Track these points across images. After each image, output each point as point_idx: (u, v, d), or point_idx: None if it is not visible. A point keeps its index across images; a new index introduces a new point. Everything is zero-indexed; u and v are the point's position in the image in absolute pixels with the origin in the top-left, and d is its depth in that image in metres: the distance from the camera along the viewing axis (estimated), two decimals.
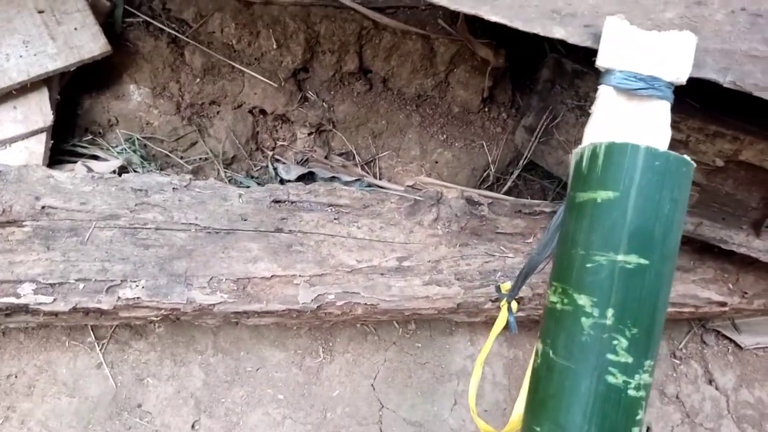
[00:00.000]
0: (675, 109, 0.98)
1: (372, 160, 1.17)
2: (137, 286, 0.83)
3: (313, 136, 1.15)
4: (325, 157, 1.14)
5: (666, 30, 0.71)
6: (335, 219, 0.96)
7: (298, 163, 1.13)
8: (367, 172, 1.16)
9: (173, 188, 0.89)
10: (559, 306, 0.64)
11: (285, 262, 0.90)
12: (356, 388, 1.03)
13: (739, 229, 1.06)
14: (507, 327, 0.80)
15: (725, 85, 0.76)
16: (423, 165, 1.16)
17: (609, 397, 0.60)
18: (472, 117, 1.21)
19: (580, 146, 0.67)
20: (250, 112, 1.12)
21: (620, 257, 0.60)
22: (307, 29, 1.09)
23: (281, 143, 1.15)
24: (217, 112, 1.12)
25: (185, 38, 1.09)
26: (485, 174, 1.16)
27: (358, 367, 1.05)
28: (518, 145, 1.18)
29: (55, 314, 0.83)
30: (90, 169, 0.96)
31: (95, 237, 0.84)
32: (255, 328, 1.02)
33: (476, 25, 1.16)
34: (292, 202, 0.94)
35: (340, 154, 1.17)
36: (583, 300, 0.61)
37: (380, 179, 1.16)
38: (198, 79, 1.10)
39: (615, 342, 0.60)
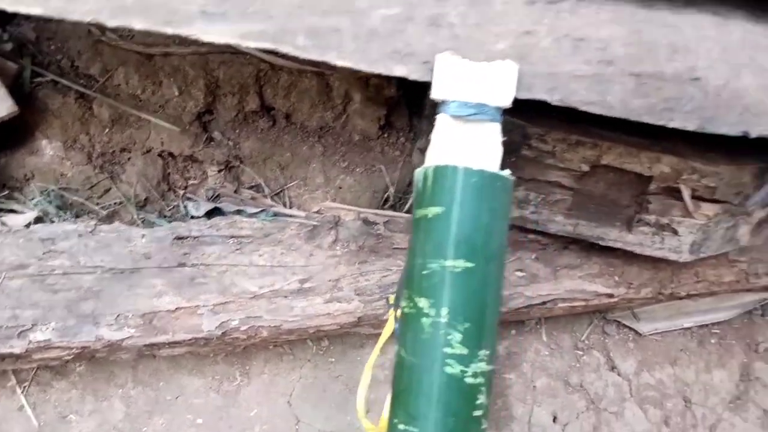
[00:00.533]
0: (541, 124, 1.10)
1: (281, 191, 1.26)
2: (47, 328, 0.90)
3: (222, 172, 1.24)
4: (235, 192, 1.22)
5: (499, 59, 0.81)
6: (237, 249, 1.04)
7: (209, 199, 1.21)
8: (276, 202, 1.24)
9: (79, 235, 0.96)
10: (407, 310, 0.73)
11: (189, 294, 0.98)
12: (273, 406, 1.10)
13: (613, 227, 1.17)
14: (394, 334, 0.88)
15: (554, 103, 0.86)
16: (328, 191, 1.25)
17: (449, 385, 0.69)
18: (371, 143, 1.31)
19: (418, 169, 0.77)
20: (160, 155, 1.20)
21: (449, 263, 0.69)
22: (206, 75, 1.18)
23: (192, 182, 1.23)
24: (128, 159, 1.19)
25: (92, 93, 1.17)
26: (386, 195, 1.26)
27: (275, 386, 1.12)
28: (415, 166, 1.28)
29: None
30: (4, 224, 1.02)
31: (5, 287, 0.90)
32: (172, 358, 1.09)
33: None
34: (194, 238, 1.02)
35: (250, 188, 1.25)
36: (422, 302, 0.70)
37: (290, 208, 1.25)
38: (107, 130, 1.17)
39: (450, 337, 0.69)
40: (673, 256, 1.17)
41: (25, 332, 0.89)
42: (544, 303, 1.21)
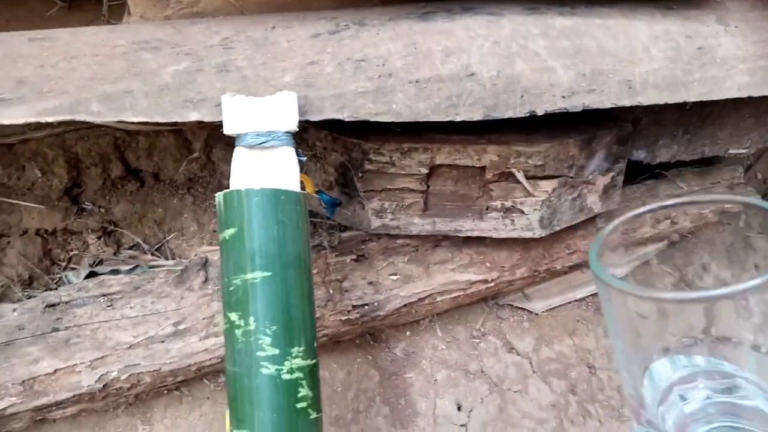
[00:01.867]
0: (376, 139, 1.19)
1: (160, 246, 1.33)
2: None
3: (102, 238, 1.31)
4: (115, 254, 1.29)
5: (286, 90, 0.91)
6: (108, 306, 1.10)
7: (91, 266, 1.28)
8: (159, 256, 1.31)
9: None
10: (224, 326, 0.80)
11: (65, 355, 1.04)
12: None
13: (466, 218, 1.26)
14: None
15: (345, 119, 0.96)
16: (203, 237, 1.33)
17: (268, 385, 0.76)
18: None
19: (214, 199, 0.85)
20: (37, 234, 1.27)
21: (248, 276, 0.77)
22: (65, 153, 1.26)
23: (74, 252, 1.30)
24: (8, 242, 1.26)
25: None
26: None
27: (177, 428, 1.17)
28: None
29: None
30: None
31: None
32: (73, 419, 1.14)
33: None
34: (65, 302, 1.09)
35: (131, 247, 1.32)
36: (233, 316, 0.78)
37: (173, 259, 1.32)
38: None
39: (260, 341, 0.76)
40: (527, 234, 1.26)
41: None
42: (421, 299, 1.29)
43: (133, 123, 0.87)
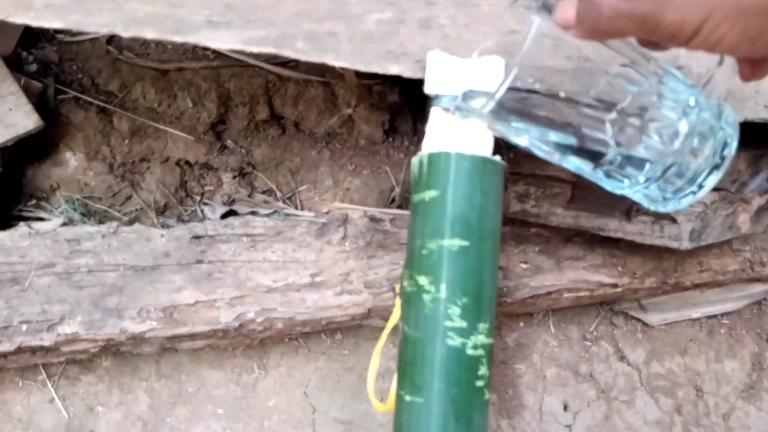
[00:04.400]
0: None
1: (292, 195, 1.32)
2: (74, 322, 0.96)
3: (237, 179, 1.30)
4: (249, 196, 1.28)
5: (494, 55, 0.87)
6: (251, 247, 1.09)
7: (224, 204, 1.27)
8: (288, 205, 1.30)
9: (102, 236, 1.03)
10: (408, 288, 0.78)
11: (206, 288, 1.04)
12: (290, 396, 1.15)
13: (612, 217, 1.20)
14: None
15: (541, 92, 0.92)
16: (336, 193, 1.31)
17: (451, 356, 0.73)
18: (377, 147, 1.36)
19: (414, 158, 0.82)
20: (177, 164, 1.27)
21: (446, 242, 0.74)
22: (218, 87, 1.25)
23: (209, 188, 1.29)
24: (147, 168, 1.26)
25: (112, 107, 1.25)
26: (392, 195, 1.31)
27: (291, 378, 1.17)
28: None
29: (4, 356, 0.95)
30: (31, 229, 1.09)
31: (34, 284, 0.97)
32: (193, 352, 1.14)
33: None
34: (210, 237, 1.08)
35: (263, 192, 1.31)
36: (422, 280, 0.75)
37: (301, 210, 1.31)
38: (126, 141, 1.25)
39: (450, 311, 0.73)
40: (673, 244, 1.20)
41: (54, 326, 0.95)
42: (549, 293, 1.25)
43: (334, 67, 0.84)
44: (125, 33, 0.81)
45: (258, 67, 1.27)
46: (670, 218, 1.18)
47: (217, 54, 1.28)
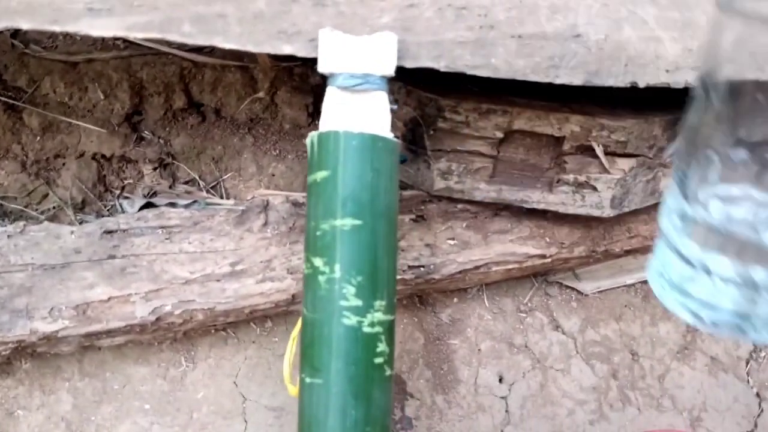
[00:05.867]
0: (453, 96, 1.14)
1: (216, 184, 1.30)
2: None
3: (158, 170, 1.28)
4: (170, 187, 1.26)
5: (386, 31, 0.86)
6: (167, 239, 1.08)
7: (145, 197, 1.25)
8: (213, 195, 1.28)
9: (8, 236, 1.00)
10: (306, 271, 0.77)
11: (120, 284, 1.02)
12: (219, 387, 1.14)
13: (535, 189, 1.21)
14: None
15: (441, 69, 0.91)
16: (261, 179, 1.29)
17: (348, 336, 0.73)
18: (302, 131, 1.35)
19: (306, 139, 0.81)
20: (93, 158, 1.24)
21: (338, 222, 0.74)
22: (129, 77, 1.22)
23: (129, 182, 1.27)
24: (63, 164, 1.23)
25: (21, 104, 1.21)
26: None
27: (220, 369, 1.16)
28: None
29: None
30: None
31: None
32: (117, 349, 1.12)
33: None
34: (123, 230, 1.06)
35: (186, 182, 1.29)
36: (317, 261, 0.75)
37: (226, 198, 1.29)
38: (38, 138, 1.21)
39: (344, 290, 0.73)
40: (596, 212, 1.21)
41: None
42: (477, 267, 1.26)
43: (203, 47, 0.82)
44: None
45: (171, 54, 1.24)
46: (591, 187, 1.19)
47: (128, 43, 1.25)
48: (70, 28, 0.78)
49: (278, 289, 1.10)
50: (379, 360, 0.74)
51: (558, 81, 0.94)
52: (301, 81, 1.32)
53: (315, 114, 1.37)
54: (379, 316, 0.74)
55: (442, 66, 0.90)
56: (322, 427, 0.71)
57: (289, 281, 1.11)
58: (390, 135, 0.79)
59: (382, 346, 0.74)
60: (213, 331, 1.17)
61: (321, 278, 0.74)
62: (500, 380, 1.31)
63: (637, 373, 1.43)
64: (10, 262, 0.98)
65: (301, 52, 0.85)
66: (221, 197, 1.29)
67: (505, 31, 0.92)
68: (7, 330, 0.94)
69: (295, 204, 1.18)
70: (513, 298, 1.42)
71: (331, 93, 0.83)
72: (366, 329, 0.73)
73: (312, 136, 0.78)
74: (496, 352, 1.34)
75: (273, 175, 1.30)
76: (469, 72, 0.92)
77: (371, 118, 0.81)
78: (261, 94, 1.25)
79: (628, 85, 0.98)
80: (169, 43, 1.20)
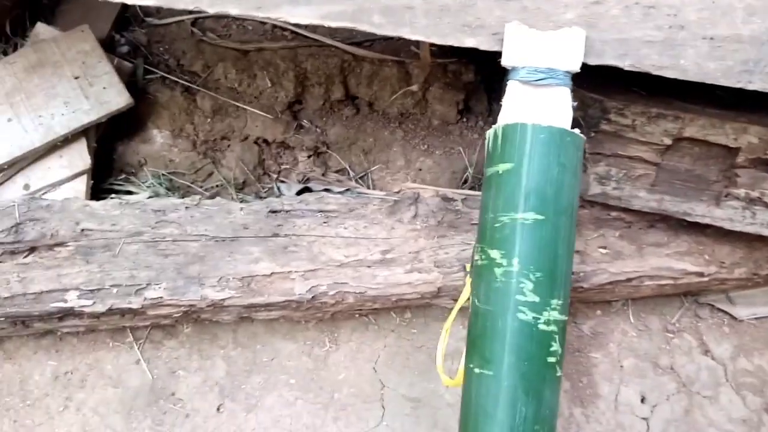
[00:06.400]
0: (619, 98, 1.11)
1: (365, 174, 1.33)
2: (159, 287, 1.01)
3: (312, 158, 1.33)
4: (323, 175, 1.31)
5: (575, 27, 0.84)
6: (324, 222, 1.12)
7: (299, 182, 1.30)
8: (361, 184, 1.32)
9: (186, 207, 1.08)
10: (479, 262, 0.77)
11: (282, 261, 1.07)
12: (360, 371, 1.16)
13: (700, 201, 1.14)
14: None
15: (626, 68, 0.88)
16: (408, 173, 1.31)
17: (522, 331, 0.72)
18: (450, 127, 1.35)
19: (488, 131, 0.81)
20: (255, 142, 1.31)
21: (520, 215, 0.73)
22: (295, 67, 1.28)
23: (285, 166, 1.33)
24: (228, 146, 1.31)
25: (196, 87, 1.31)
26: (465, 176, 1.30)
27: (361, 353, 1.18)
28: None
29: (97, 316, 1.02)
30: (122, 199, 1.16)
31: (124, 251, 1.03)
32: (268, 323, 1.18)
33: (446, 48, 1.32)
34: (286, 211, 1.11)
35: (337, 171, 1.33)
36: (494, 254, 0.74)
37: (373, 189, 1.32)
38: (209, 119, 1.30)
39: (522, 285, 0.72)
40: (766, 232, 1.12)
41: (141, 290, 1.01)
42: (629, 280, 1.20)
43: (410, 40, 0.84)
44: (210, 9, 0.84)
45: (334, 47, 1.28)
46: (764, 203, 1.11)
47: (295, 34, 1.31)
48: (272, 15, 0.83)
49: (425, 281, 1.11)
50: (552, 359, 0.73)
51: (751, 87, 0.88)
52: (454, 78, 1.33)
53: (464, 111, 1.37)
54: (555, 315, 0.72)
55: (626, 65, 0.87)
56: (490, 419, 0.71)
57: (435, 274, 1.11)
58: (576, 130, 0.77)
59: (555, 346, 0.73)
60: (357, 315, 1.20)
61: (497, 270, 0.73)
62: (642, 400, 1.25)
63: None
64: (187, 231, 1.06)
65: (484, 45, 0.85)
66: (368, 187, 1.32)
67: (695, 32, 0.87)
68: (182, 294, 1.02)
69: (445, 199, 1.19)
70: (660, 316, 1.34)
71: (513, 86, 0.82)
72: (541, 326, 0.72)
73: (495, 128, 0.77)
74: (639, 371, 1.27)
75: (420, 170, 1.32)
76: (655, 72, 0.88)
77: (556, 113, 0.79)
78: (414, 87, 1.26)
79: None
80: (333, 35, 1.25)
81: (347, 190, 1.25)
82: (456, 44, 0.85)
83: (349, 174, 1.32)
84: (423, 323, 1.22)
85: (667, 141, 1.08)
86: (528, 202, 0.73)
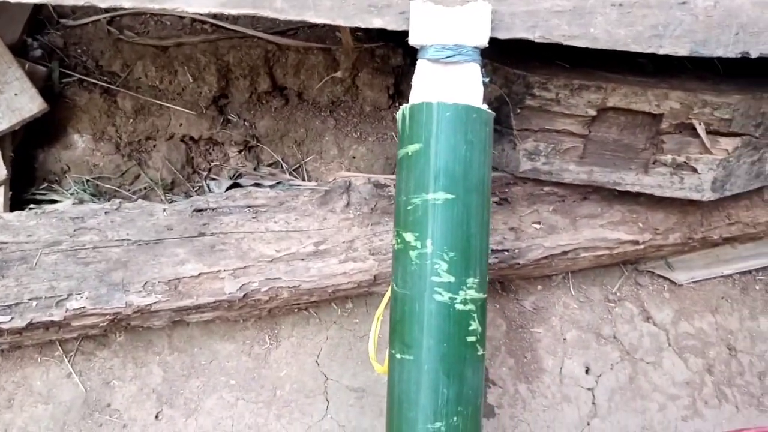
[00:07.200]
0: (542, 72, 1.10)
1: (298, 166, 1.31)
2: (81, 297, 0.97)
3: (243, 152, 1.30)
4: (255, 169, 1.28)
5: (480, 1, 0.83)
6: (253, 218, 1.09)
7: (231, 178, 1.27)
8: (296, 177, 1.29)
9: (105, 212, 1.04)
10: (396, 246, 0.76)
11: (210, 260, 1.04)
12: (302, 366, 1.15)
13: (629, 170, 1.15)
14: None
15: (536, 40, 0.88)
16: (342, 162, 1.29)
17: (439, 312, 0.71)
18: (383, 113, 1.34)
19: (398, 112, 0.80)
20: (182, 140, 1.28)
21: (430, 196, 0.72)
22: (217, 61, 1.24)
23: (215, 163, 1.30)
24: (153, 146, 1.27)
25: (116, 87, 1.26)
26: None
27: (303, 347, 1.17)
28: None
29: (18, 332, 0.98)
30: (38, 208, 1.11)
31: (42, 262, 0.99)
32: (205, 325, 1.15)
33: (372, 32, 1.30)
34: (212, 209, 1.08)
35: (270, 165, 1.31)
36: (408, 236, 0.73)
37: (308, 180, 1.30)
38: (131, 120, 1.26)
39: (437, 266, 0.71)
40: (695, 196, 1.14)
41: (62, 301, 0.97)
42: (564, 253, 1.21)
43: (288, 29, 0.81)
44: (102, 4, 0.81)
45: (256, 37, 1.25)
46: (691, 168, 1.12)
47: (215, 27, 1.28)
48: (168, 6, 0.80)
49: (360, 270, 1.09)
50: (471, 338, 0.72)
51: (662, 51, 0.89)
52: (383, 63, 1.31)
53: (396, 96, 1.35)
54: (471, 293, 0.72)
55: (536, 37, 0.86)
56: (413, 404, 0.70)
57: (371, 262, 1.10)
58: (484, 106, 0.76)
59: (474, 325, 0.72)
60: (296, 310, 1.18)
61: (412, 253, 0.72)
62: (587, 371, 1.26)
63: (735, 369, 1.34)
64: (108, 237, 1.02)
65: (392, 25, 0.84)
66: (303, 179, 1.30)
67: None
68: (105, 302, 0.98)
69: (377, 185, 1.17)
70: (601, 287, 1.36)
71: (422, 65, 0.81)
72: (459, 306, 0.71)
73: (403, 109, 0.76)
74: (582, 342, 1.28)
75: (354, 158, 1.30)
76: (566, 43, 0.87)
77: (464, 90, 0.78)
78: (339, 74, 1.24)
79: (739, 56, 0.91)
80: (255, 25, 1.22)
81: (278, 183, 1.22)
82: (363, 25, 0.83)
83: (282, 167, 1.29)
84: (365, 312, 1.21)
85: (592, 112, 1.09)
86: (438, 182, 0.72)
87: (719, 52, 0.89)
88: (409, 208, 0.73)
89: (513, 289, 1.32)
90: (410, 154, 0.74)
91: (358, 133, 1.31)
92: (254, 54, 1.25)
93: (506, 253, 1.18)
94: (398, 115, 0.78)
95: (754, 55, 0.91)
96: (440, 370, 0.70)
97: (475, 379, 0.72)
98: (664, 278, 1.39)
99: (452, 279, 0.71)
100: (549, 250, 1.19)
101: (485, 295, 0.75)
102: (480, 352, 0.73)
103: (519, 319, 1.29)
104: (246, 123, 1.29)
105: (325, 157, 1.31)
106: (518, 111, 1.12)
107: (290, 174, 1.29)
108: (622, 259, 1.32)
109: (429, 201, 0.71)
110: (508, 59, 1.12)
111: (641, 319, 1.34)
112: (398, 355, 0.73)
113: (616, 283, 1.36)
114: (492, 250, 1.17)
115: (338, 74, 1.23)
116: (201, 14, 0.81)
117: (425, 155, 0.72)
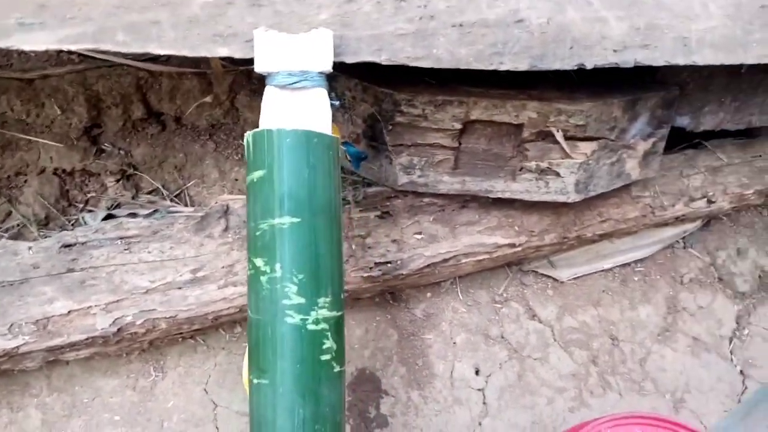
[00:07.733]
0: (408, 90, 1.14)
1: (180, 192, 1.29)
2: None
3: (121, 182, 1.27)
4: (133, 198, 1.26)
5: (322, 28, 0.85)
6: (125, 249, 1.07)
7: (109, 209, 1.25)
8: (177, 203, 1.28)
9: None
10: (249, 272, 0.77)
11: (80, 297, 1.02)
12: (190, 395, 1.13)
13: (498, 178, 1.21)
14: None
15: (382, 63, 0.91)
16: (224, 185, 1.29)
17: (292, 335, 0.73)
18: None
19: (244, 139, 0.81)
20: (55, 173, 1.24)
21: (276, 221, 0.73)
22: (86, 91, 1.22)
23: (92, 194, 1.26)
24: (25, 181, 1.23)
25: None
26: None
27: (190, 376, 1.15)
28: None
29: None
30: None
31: None
32: (85, 362, 1.12)
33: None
34: (81, 243, 1.06)
35: (149, 192, 1.28)
36: (259, 262, 0.74)
37: (191, 206, 1.29)
38: None
39: (287, 289, 0.72)
40: (561, 198, 1.21)
41: None
42: (446, 260, 1.25)
43: (159, 56, 0.82)
44: None
45: (126, 65, 1.23)
46: (554, 173, 1.19)
47: (83, 57, 1.25)
48: (2, 44, 0.78)
49: (241, 294, 1.09)
50: (326, 357, 0.74)
51: (503, 68, 0.94)
52: (260, 84, 1.31)
53: None
54: (324, 312, 0.74)
55: (383, 59, 0.90)
56: (271, 427, 0.71)
57: None
58: (328, 131, 0.79)
59: (328, 343, 0.74)
60: (181, 339, 1.17)
61: (263, 278, 0.73)
62: (477, 372, 1.31)
63: (618, 358, 1.42)
64: None
65: (238, 54, 0.85)
66: (186, 205, 1.28)
67: (445, 20, 0.91)
68: None
69: None
70: (488, 289, 1.41)
71: (269, 92, 0.82)
72: (310, 327, 0.72)
73: (247, 136, 0.77)
74: (471, 345, 1.33)
75: (236, 180, 1.30)
76: (411, 64, 0.91)
77: (309, 115, 0.80)
78: (209, 99, 1.24)
79: (575, 68, 0.97)
80: (124, 55, 1.20)
81: (155, 211, 1.21)
82: (208, 55, 0.84)
83: (162, 194, 1.28)
84: None
85: (458, 126, 1.13)
86: (283, 207, 0.73)
87: (557, 65, 0.95)
88: (257, 233, 0.74)
89: (404, 299, 1.36)
90: (255, 180, 0.75)
91: (239, 156, 1.31)
92: (125, 82, 1.23)
93: (389, 264, 1.21)
94: (244, 142, 0.79)
95: (589, 66, 0.97)
96: (295, 391, 0.71)
97: (332, 397, 0.74)
98: (548, 276, 1.46)
99: (303, 300, 0.72)
100: (430, 259, 1.23)
101: (340, 312, 0.77)
102: (336, 369, 0.75)
103: (410, 327, 1.33)
104: (121, 151, 1.27)
105: (206, 181, 1.30)
106: (390, 127, 1.15)
107: (171, 200, 1.28)
108: (505, 262, 1.38)
109: (276, 226, 0.73)
110: (378, 79, 1.15)
111: (527, 318, 1.40)
112: (255, 380, 0.74)
113: (502, 285, 1.42)
114: (375, 263, 1.20)
115: (207, 99, 1.22)
116: (38, 51, 0.79)
117: (269, 181, 0.74)
